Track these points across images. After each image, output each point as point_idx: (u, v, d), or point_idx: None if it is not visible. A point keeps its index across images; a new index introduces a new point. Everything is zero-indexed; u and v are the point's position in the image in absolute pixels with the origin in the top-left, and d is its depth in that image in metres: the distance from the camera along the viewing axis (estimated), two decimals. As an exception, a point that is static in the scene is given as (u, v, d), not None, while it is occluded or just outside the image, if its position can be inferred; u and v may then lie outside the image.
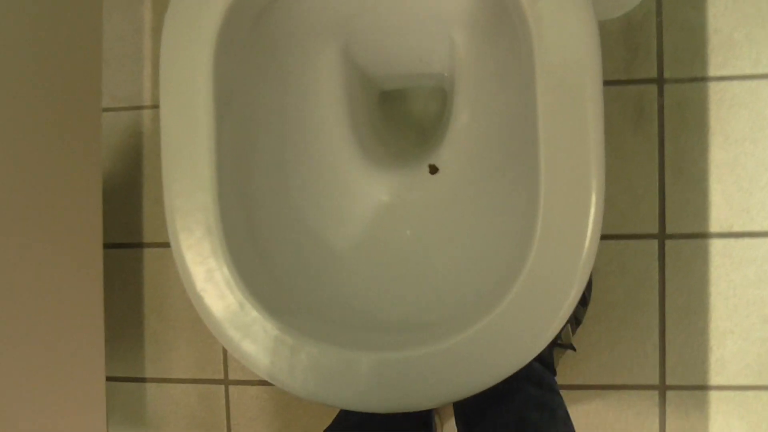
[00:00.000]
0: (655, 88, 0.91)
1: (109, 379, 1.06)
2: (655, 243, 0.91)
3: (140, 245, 1.07)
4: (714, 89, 0.90)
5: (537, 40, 0.57)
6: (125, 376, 1.08)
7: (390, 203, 0.75)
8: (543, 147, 0.56)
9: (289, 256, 0.70)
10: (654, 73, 0.91)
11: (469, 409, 0.75)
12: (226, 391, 1.05)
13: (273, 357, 0.60)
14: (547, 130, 0.56)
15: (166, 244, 1.04)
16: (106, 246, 1.06)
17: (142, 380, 1.07)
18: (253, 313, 0.61)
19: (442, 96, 0.84)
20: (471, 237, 0.70)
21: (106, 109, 1.06)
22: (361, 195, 0.76)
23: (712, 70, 0.90)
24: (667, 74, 0.91)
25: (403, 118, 0.87)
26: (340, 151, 0.77)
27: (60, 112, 0.84)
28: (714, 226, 0.89)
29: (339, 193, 0.76)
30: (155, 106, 1.05)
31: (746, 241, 0.88)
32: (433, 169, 0.75)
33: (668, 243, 0.90)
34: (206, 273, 0.62)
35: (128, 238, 1.07)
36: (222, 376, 1.05)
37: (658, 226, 0.91)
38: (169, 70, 0.63)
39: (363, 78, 0.82)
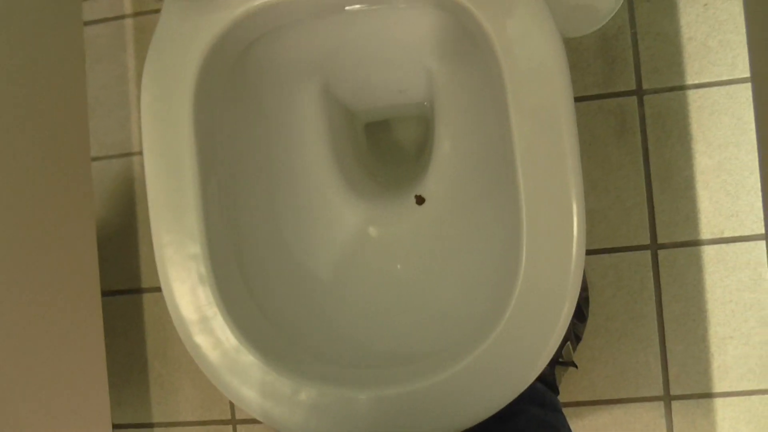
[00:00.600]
0: (635, 99, 0.92)
1: (116, 426, 1.07)
2: (648, 254, 0.91)
3: (139, 291, 1.07)
4: (693, 97, 0.90)
5: (506, 66, 0.58)
6: (133, 423, 1.08)
7: (380, 237, 0.76)
8: (521, 170, 0.57)
9: (282, 297, 0.70)
10: (633, 85, 0.92)
11: None
12: (234, 430, 1.05)
13: (272, 401, 0.61)
14: (523, 153, 0.57)
15: (164, 288, 1.05)
16: (105, 294, 1.07)
17: (150, 426, 1.07)
18: (249, 358, 0.61)
19: (426, 125, 0.85)
20: (461, 266, 0.71)
21: (96, 158, 1.07)
22: (351, 231, 0.77)
23: (690, 78, 0.91)
24: (645, 85, 0.92)
25: (388, 149, 0.88)
26: (327, 188, 0.78)
27: (48, 165, 0.85)
28: (705, 233, 0.90)
29: (329, 230, 0.76)
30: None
31: (738, 245, 0.89)
32: (420, 200, 0.76)
33: (661, 253, 0.91)
34: (201, 322, 0.62)
35: (126, 285, 1.07)
36: (229, 417, 1.05)
37: (649, 237, 0.91)
38: (150, 123, 0.64)
39: (346, 112, 0.83)
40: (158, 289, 1.06)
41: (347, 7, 0.68)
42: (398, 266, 0.74)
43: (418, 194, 0.76)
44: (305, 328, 0.69)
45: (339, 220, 0.77)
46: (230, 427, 1.05)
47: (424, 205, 0.76)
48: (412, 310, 0.71)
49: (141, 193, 1.07)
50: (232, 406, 1.05)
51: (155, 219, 0.64)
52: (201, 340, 0.62)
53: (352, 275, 0.74)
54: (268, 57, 0.73)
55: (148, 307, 1.07)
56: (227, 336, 0.62)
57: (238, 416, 1.04)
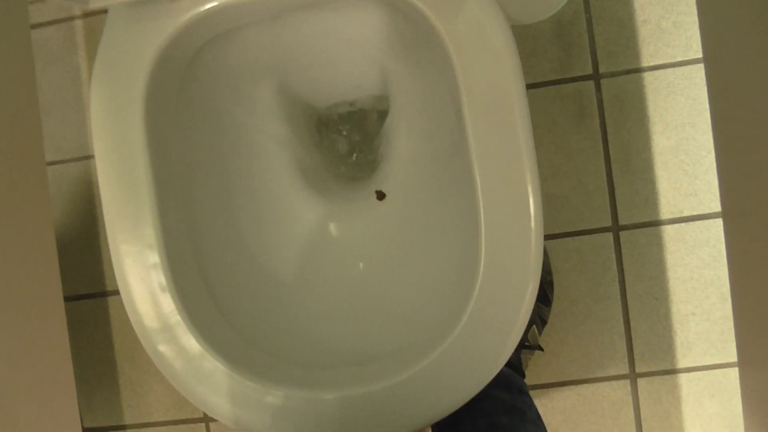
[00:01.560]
0: (592, 84, 0.93)
1: (88, 430, 1.06)
2: (610, 236, 0.92)
3: (104, 294, 1.06)
4: (649, 79, 0.92)
5: (457, 61, 0.58)
6: (105, 426, 1.07)
7: (341, 235, 0.76)
8: (476, 162, 0.58)
9: (245, 300, 0.70)
10: (589, 69, 0.93)
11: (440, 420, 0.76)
12: (207, 429, 1.05)
13: (239, 406, 0.61)
14: (477, 145, 0.58)
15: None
16: (70, 299, 1.06)
17: (123, 428, 1.07)
18: (214, 364, 0.61)
19: (384, 118, 0.85)
20: (423, 261, 0.71)
21: (52, 162, 1.05)
22: (312, 230, 0.77)
23: (646, 61, 0.92)
24: (602, 69, 0.93)
25: (347, 144, 0.88)
26: (287, 188, 0.77)
27: (1, 171, 0.83)
28: (665, 213, 0.91)
29: (290, 231, 0.76)
30: (102, 154, 1.05)
31: (697, 224, 0.91)
32: (381, 195, 0.76)
33: (623, 234, 0.92)
34: (164, 331, 0.62)
35: (91, 288, 1.06)
36: (201, 414, 1.05)
37: (611, 219, 0.92)
38: (101, 132, 0.64)
39: (303, 108, 0.83)
40: (123, 291, 1.06)
41: (295, 10, 0.67)
42: (360, 265, 0.75)
43: (378, 189, 0.76)
44: (269, 331, 0.69)
45: (299, 220, 0.77)
46: (203, 424, 1.05)
47: (384, 201, 0.76)
48: (375, 308, 0.71)
49: (100, 196, 1.05)
50: (204, 405, 1.05)
51: (112, 229, 0.63)
52: (165, 348, 0.62)
53: (315, 276, 0.75)
54: (220, 59, 0.72)
55: (114, 311, 1.06)
56: (191, 343, 0.62)
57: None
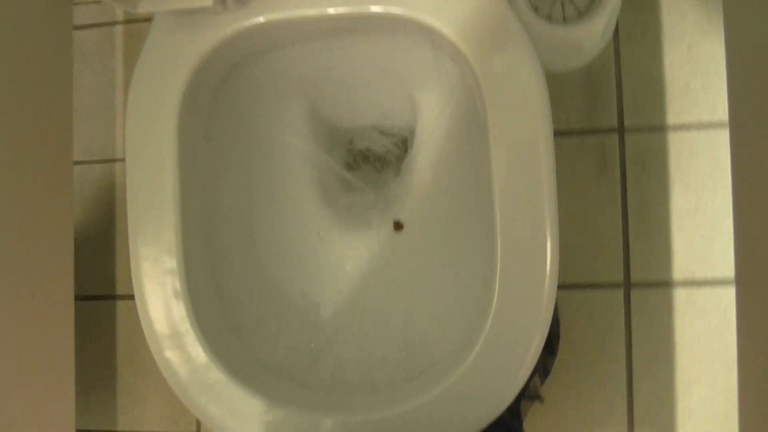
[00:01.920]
0: (616, 137, 0.94)
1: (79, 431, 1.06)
2: (620, 292, 0.93)
3: (113, 297, 1.07)
4: (673, 138, 0.92)
5: (489, 101, 0.60)
6: (97, 429, 1.07)
7: (357, 259, 0.77)
8: (498, 204, 0.59)
9: (255, 316, 0.71)
10: (615, 123, 0.94)
11: None
12: (198, 443, 1.05)
13: (239, 420, 0.61)
14: (501, 187, 0.59)
15: (138, 297, 1.05)
16: (79, 298, 1.06)
17: (115, 433, 1.07)
18: (219, 376, 0.62)
19: (408, 148, 0.86)
20: (434, 295, 0.72)
21: (78, 162, 1.07)
22: (327, 252, 0.78)
23: (671, 119, 0.93)
24: (627, 123, 0.94)
25: (370, 169, 0.89)
26: (307, 206, 0.79)
27: (29, 166, 0.85)
28: (677, 275, 0.91)
29: (306, 250, 0.77)
30: (127, 159, 1.07)
31: (709, 289, 0.91)
32: (398, 226, 0.77)
33: (633, 292, 0.92)
34: (172, 337, 0.63)
35: (101, 290, 1.07)
36: (195, 428, 1.05)
37: (623, 275, 0.92)
38: (134, 135, 0.65)
39: (330, 131, 0.84)
40: (132, 297, 1.06)
41: (334, 34, 0.69)
42: (374, 291, 0.75)
43: (396, 219, 0.77)
44: (276, 349, 0.69)
45: (317, 240, 0.78)
46: (195, 439, 1.05)
47: (401, 232, 0.77)
48: (385, 335, 0.72)
49: (121, 200, 1.07)
50: (198, 420, 1.05)
51: (134, 231, 0.64)
52: (171, 354, 0.63)
53: (326, 298, 0.75)
54: (255, 76, 0.74)
55: (121, 315, 1.07)
56: (198, 352, 0.62)
57: (203, 430, 1.04)
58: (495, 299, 0.58)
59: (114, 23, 1.08)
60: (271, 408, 0.60)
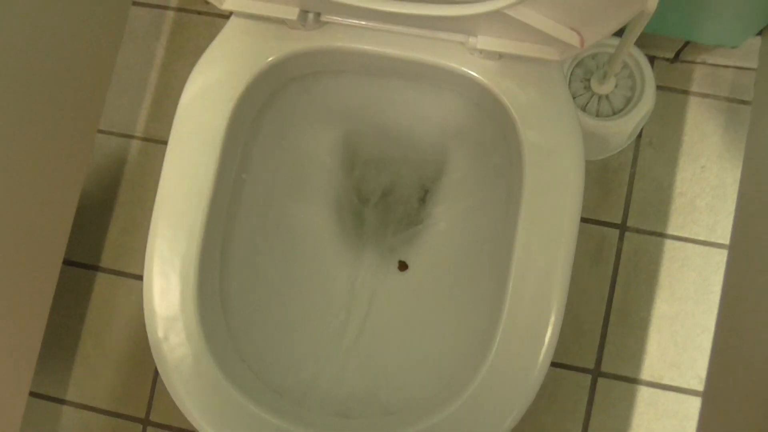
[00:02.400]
0: (617, 233, 0.99)
1: (29, 394, 1.06)
2: (588, 378, 0.96)
3: (95, 268, 1.08)
4: (670, 246, 0.98)
5: (528, 174, 0.63)
6: (45, 394, 1.07)
7: (360, 288, 0.79)
8: (513, 273, 0.62)
9: (255, 325, 0.73)
10: (619, 219, 0.99)
11: None
12: (143, 431, 1.05)
13: (218, 414, 0.63)
14: (519, 259, 0.62)
15: (121, 273, 1.06)
16: (62, 262, 1.07)
17: (62, 402, 1.07)
18: (211, 368, 0.63)
19: (427, 193, 0.89)
20: (431, 336, 0.74)
21: (98, 131, 1.08)
22: (334, 278, 0.80)
23: (671, 229, 0.98)
24: (630, 222, 0.99)
25: (388, 206, 0.91)
26: (322, 235, 0.81)
27: (59, 119, 0.86)
28: (645, 374, 0.96)
29: (312, 274, 0.80)
30: (146, 138, 1.09)
31: (672, 394, 0.95)
32: (403, 267, 0.80)
33: (600, 380, 0.96)
34: (172, 320, 0.64)
35: (85, 259, 1.08)
36: (143, 415, 1.05)
37: (594, 363, 0.96)
38: (184, 116, 0.67)
39: (361, 162, 0.87)
40: (114, 272, 1.08)
41: (389, 74, 0.73)
42: (374, 320, 0.77)
43: (402, 260, 0.80)
44: (273, 365, 0.71)
45: (325, 266, 0.80)
46: (140, 426, 1.05)
47: (405, 273, 0.80)
48: (380, 365, 0.74)
49: (129, 177, 1.09)
50: (149, 405, 1.05)
51: (159, 209, 0.66)
52: (166, 336, 0.64)
53: (328, 323, 0.77)
54: (305, 95, 0.78)
55: (99, 287, 1.08)
56: (195, 339, 0.64)
57: (152, 418, 1.05)
58: (491, 356, 0.61)
59: (167, 8, 1.11)
60: (256, 411, 0.62)
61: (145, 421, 1.05)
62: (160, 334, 0.65)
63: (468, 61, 0.65)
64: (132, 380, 1.06)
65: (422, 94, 0.77)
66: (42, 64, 0.81)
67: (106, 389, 1.06)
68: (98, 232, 1.09)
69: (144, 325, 1.03)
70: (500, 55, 0.64)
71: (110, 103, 1.09)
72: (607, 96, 0.90)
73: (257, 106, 0.72)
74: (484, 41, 0.62)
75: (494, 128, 0.71)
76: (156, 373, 1.05)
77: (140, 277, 1.05)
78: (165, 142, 0.67)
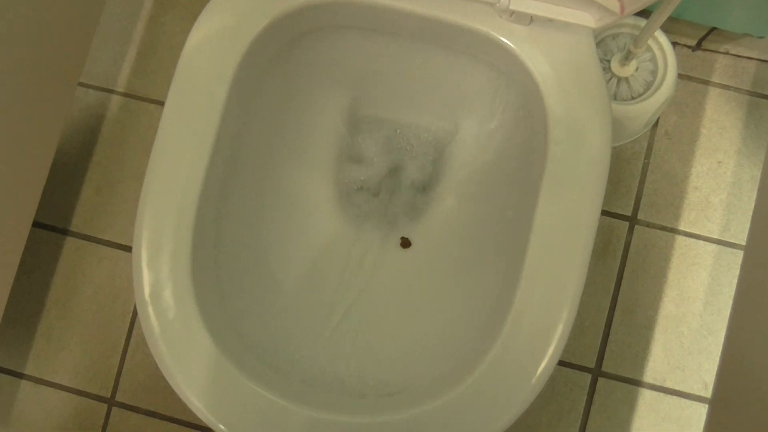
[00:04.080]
0: (626, 225, 0.98)
1: (-18, 366, 1.03)
2: (588, 377, 0.96)
3: (65, 232, 1.05)
4: (680, 243, 0.97)
5: (552, 160, 0.62)
6: (2, 367, 1.04)
7: (360, 263, 0.78)
8: (529, 256, 0.60)
9: (247, 298, 0.71)
10: (629, 211, 0.98)
11: None
12: (108, 411, 1.02)
13: (209, 383, 0.61)
14: (536, 241, 0.61)
15: (92, 238, 1.03)
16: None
17: (20, 375, 1.04)
18: (204, 337, 0.61)
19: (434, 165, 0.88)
20: (432, 319, 0.73)
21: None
22: (333, 253, 0.78)
23: (683, 225, 0.97)
24: (640, 215, 0.98)
25: (392, 179, 0.90)
26: (322, 206, 0.79)
27: (40, 65, 0.84)
28: (648, 376, 0.95)
29: (311, 245, 0.78)
30: (127, 94, 1.06)
31: (675, 399, 0.94)
32: (406, 243, 0.78)
33: (601, 380, 0.95)
34: (161, 285, 0.62)
35: (54, 221, 1.05)
36: (109, 395, 1.02)
37: (595, 361, 0.96)
38: (184, 78, 0.65)
39: (368, 129, 0.85)
40: (85, 237, 1.05)
41: (403, 35, 0.71)
42: (374, 298, 0.76)
43: (404, 237, 0.79)
44: (269, 338, 0.70)
45: (324, 238, 0.78)
46: (105, 406, 1.02)
47: (408, 250, 0.78)
48: (382, 343, 0.73)
49: (107, 134, 1.06)
50: (116, 384, 1.02)
51: (153, 173, 0.63)
52: (156, 297, 0.62)
53: (327, 300, 0.76)
54: (310, 56, 0.75)
55: (68, 252, 1.05)
56: (186, 307, 0.62)
57: (118, 398, 1.02)
58: (495, 348, 0.59)
59: (159, -44, 1.08)
60: (246, 382, 0.60)
61: (111, 401, 1.02)
62: (148, 294, 0.62)
63: (496, 24, 0.64)
64: (98, 356, 1.03)
65: (438, 57, 0.75)
66: (23, 5, 0.78)
67: (70, 364, 1.03)
68: (70, 193, 1.05)
69: (114, 297, 1.02)
70: (531, 19, 0.63)
71: (91, 54, 1.05)
72: (627, 79, 0.89)
73: (262, 65, 0.70)
74: (517, 1, 0.61)
75: (516, 98, 0.70)
76: (125, 349, 1.02)
77: (112, 244, 1.04)
78: (148, 99, 0.65)
